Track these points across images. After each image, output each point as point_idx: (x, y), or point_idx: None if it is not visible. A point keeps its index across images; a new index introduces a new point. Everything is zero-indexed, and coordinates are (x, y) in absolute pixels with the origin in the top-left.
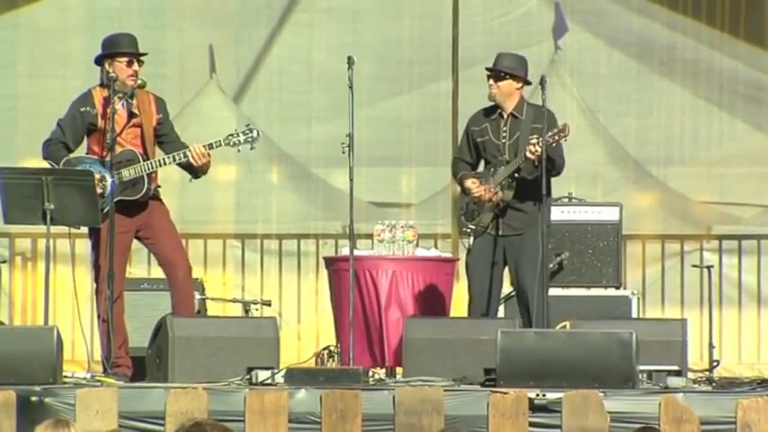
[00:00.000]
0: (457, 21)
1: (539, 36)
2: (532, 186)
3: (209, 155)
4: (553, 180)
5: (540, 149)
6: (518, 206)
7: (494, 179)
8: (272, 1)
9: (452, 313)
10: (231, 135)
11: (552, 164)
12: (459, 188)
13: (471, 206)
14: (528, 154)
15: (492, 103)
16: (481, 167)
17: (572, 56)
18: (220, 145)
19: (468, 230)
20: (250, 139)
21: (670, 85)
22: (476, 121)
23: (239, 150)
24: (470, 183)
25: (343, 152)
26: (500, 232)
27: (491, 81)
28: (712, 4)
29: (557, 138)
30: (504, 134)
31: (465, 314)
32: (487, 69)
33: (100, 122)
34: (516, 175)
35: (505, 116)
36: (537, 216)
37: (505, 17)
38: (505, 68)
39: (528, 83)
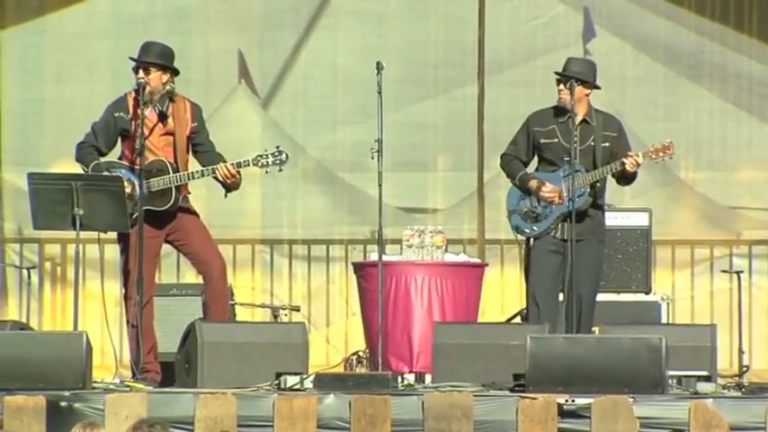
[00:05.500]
0: (483, 24)
1: (565, 40)
2: (598, 195)
3: (238, 173)
4: None
5: (640, 162)
6: (585, 212)
7: (576, 183)
8: (297, 5)
9: (480, 318)
10: (260, 156)
11: (635, 176)
12: (514, 186)
13: (539, 208)
14: (628, 166)
15: (556, 104)
16: (531, 168)
17: (599, 60)
18: (248, 165)
19: (528, 231)
20: (278, 162)
21: (698, 88)
22: (541, 121)
23: (267, 171)
24: (545, 190)
25: (372, 158)
26: (563, 236)
27: (560, 86)
28: (740, 9)
29: (661, 155)
30: (576, 139)
31: (499, 319)
32: (557, 74)
33: (132, 127)
34: (598, 184)
35: (577, 121)
36: (598, 223)
37: (533, 22)
38: (575, 74)
39: (597, 87)
